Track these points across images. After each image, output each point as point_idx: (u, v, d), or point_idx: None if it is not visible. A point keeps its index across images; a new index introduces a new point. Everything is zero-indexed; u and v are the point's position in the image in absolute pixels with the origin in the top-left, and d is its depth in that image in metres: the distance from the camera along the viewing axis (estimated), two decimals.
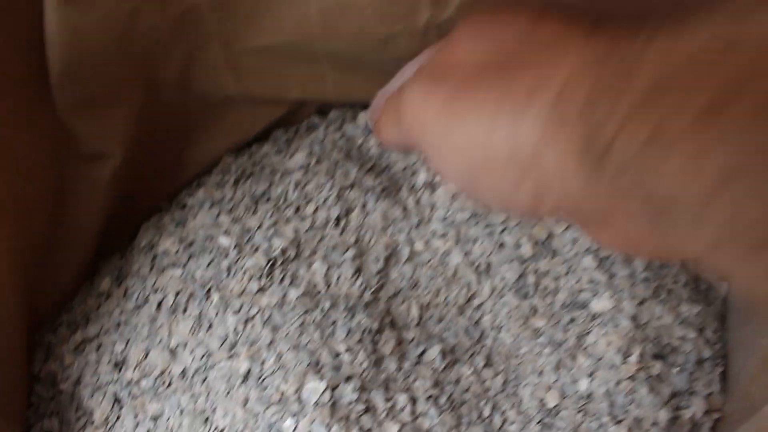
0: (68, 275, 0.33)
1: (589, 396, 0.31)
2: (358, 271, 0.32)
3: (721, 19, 0.14)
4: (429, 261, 0.34)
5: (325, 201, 0.32)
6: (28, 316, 0.31)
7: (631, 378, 0.31)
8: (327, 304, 0.31)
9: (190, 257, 0.32)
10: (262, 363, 0.29)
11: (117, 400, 0.30)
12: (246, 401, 0.28)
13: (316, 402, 0.28)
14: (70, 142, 0.30)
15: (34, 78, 0.28)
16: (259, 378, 0.29)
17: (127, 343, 0.31)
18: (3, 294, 0.29)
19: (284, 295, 0.30)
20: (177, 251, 0.32)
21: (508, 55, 0.19)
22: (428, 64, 0.22)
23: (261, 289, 0.30)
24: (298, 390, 0.28)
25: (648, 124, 0.14)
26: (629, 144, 0.15)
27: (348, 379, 0.29)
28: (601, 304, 0.32)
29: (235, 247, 0.31)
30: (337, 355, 0.29)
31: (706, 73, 0.14)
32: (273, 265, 0.31)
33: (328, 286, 0.31)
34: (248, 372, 0.29)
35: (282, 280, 0.31)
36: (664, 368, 0.32)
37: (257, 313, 0.30)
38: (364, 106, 0.37)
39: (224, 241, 0.31)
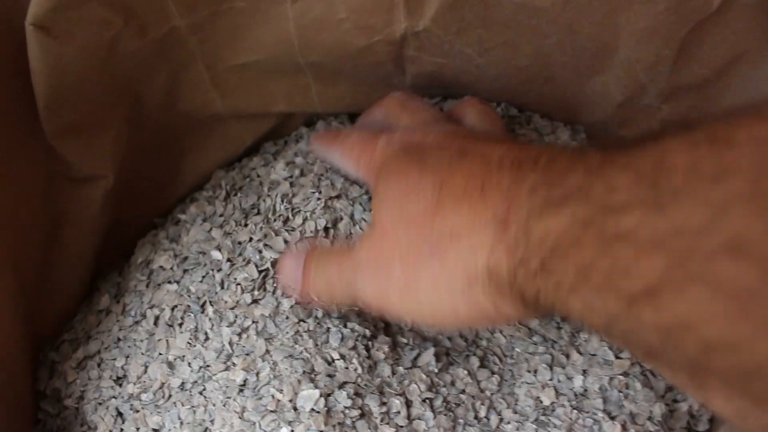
0: (67, 294, 0.34)
1: (584, 393, 0.31)
2: None
3: (581, 203, 0.19)
4: None
5: (312, 212, 0.33)
6: (30, 336, 0.32)
7: (625, 374, 0.32)
8: (320, 313, 0.31)
9: (184, 272, 0.32)
10: (258, 373, 0.30)
11: (119, 414, 0.31)
12: (243, 411, 0.29)
13: (311, 409, 0.28)
14: (62, 166, 0.31)
15: (24, 105, 0.29)
16: (255, 388, 0.29)
17: (127, 358, 0.31)
18: (4, 316, 0.30)
19: (277, 306, 0.31)
20: (172, 267, 0.33)
21: (425, 238, 0.24)
22: (367, 254, 0.27)
23: (254, 301, 0.31)
24: (293, 398, 0.29)
25: (549, 291, 0.20)
26: (546, 298, 0.20)
27: (342, 385, 0.29)
28: None
29: (227, 261, 0.32)
30: (331, 362, 0.30)
31: (570, 253, 0.19)
32: (265, 276, 0.32)
33: None
34: (244, 382, 0.29)
35: (274, 291, 0.32)
36: None
37: (251, 324, 0.31)
38: (351, 115, 0.38)
39: (216, 255, 0.32)
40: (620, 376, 0.32)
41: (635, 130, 0.36)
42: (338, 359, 0.30)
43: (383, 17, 0.31)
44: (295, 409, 0.29)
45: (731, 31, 0.30)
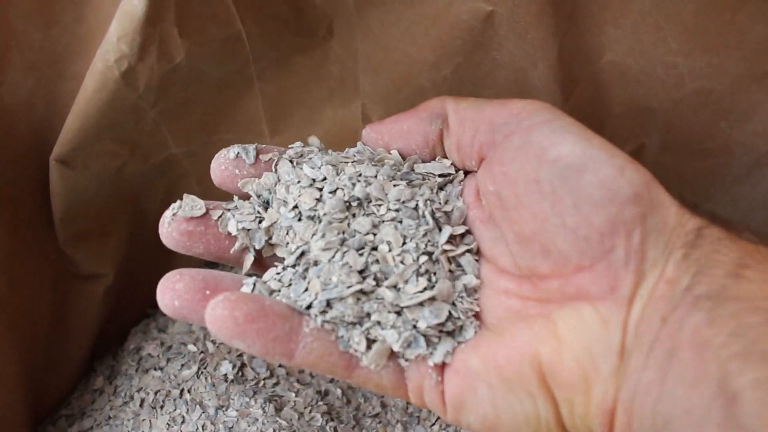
0: (67, 374, 0.38)
1: None
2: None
3: None
4: None
5: None
6: (31, 413, 0.37)
7: None
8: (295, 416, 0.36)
9: (168, 360, 0.37)
10: None
11: None
12: None
13: None
14: (71, 266, 0.37)
15: (41, 216, 0.35)
16: None
17: None
18: (10, 394, 0.35)
19: (248, 402, 0.36)
20: (158, 354, 0.38)
21: None
22: None
23: (226, 392, 0.36)
24: None
25: None
26: None
27: None
28: None
29: (201, 353, 0.37)
30: None
31: None
32: (241, 367, 0.37)
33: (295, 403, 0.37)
34: None
35: (244, 382, 0.36)
36: None
37: (223, 413, 0.35)
38: None
39: (192, 348, 0.37)
40: None
41: None
42: None
43: None
44: None
45: None
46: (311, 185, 0.26)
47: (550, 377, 0.21)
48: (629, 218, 0.20)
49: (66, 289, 0.37)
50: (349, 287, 0.23)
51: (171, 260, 0.41)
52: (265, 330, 0.22)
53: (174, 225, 0.26)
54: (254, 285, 0.24)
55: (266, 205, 0.27)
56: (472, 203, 0.25)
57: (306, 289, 0.24)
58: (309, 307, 0.23)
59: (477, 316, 0.24)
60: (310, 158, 0.27)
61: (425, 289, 0.23)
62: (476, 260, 0.25)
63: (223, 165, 0.27)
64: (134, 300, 0.41)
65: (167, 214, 0.26)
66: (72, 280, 0.37)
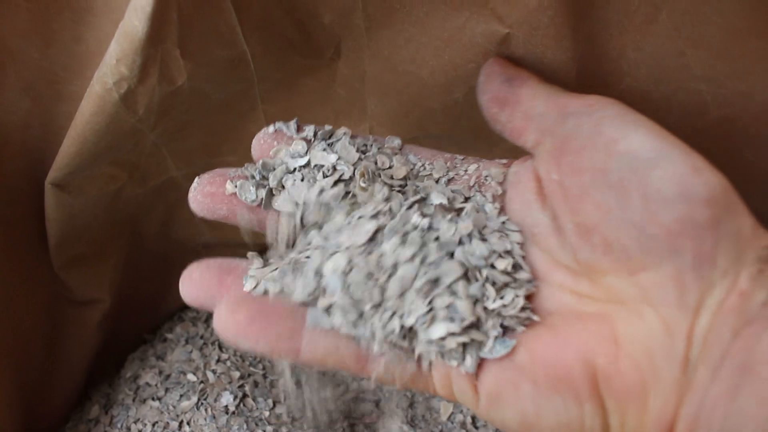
0: (61, 401, 0.37)
1: None
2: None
3: None
4: None
5: None
6: None
7: None
8: None
9: (167, 390, 0.36)
10: None
11: None
12: None
13: None
14: (65, 291, 0.35)
15: (36, 239, 0.33)
16: None
17: None
18: (1, 422, 0.33)
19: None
20: (156, 384, 0.36)
21: None
22: None
23: (227, 425, 0.34)
24: None
25: None
26: None
27: None
28: None
29: (201, 383, 0.36)
30: None
31: None
32: (242, 398, 0.35)
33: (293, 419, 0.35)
34: None
35: (245, 413, 0.35)
36: None
37: None
38: None
39: (192, 377, 0.36)
40: None
41: None
42: None
43: None
44: None
45: None
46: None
47: (603, 384, 0.20)
48: (701, 220, 0.19)
49: (61, 315, 0.36)
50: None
51: (169, 283, 0.40)
52: (267, 328, 0.22)
53: (199, 188, 0.27)
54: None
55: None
56: (532, 188, 0.24)
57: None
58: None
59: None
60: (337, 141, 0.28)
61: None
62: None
63: (262, 140, 0.28)
64: (131, 326, 0.39)
65: (195, 180, 0.27)
66: (67, 305, 0.36)
